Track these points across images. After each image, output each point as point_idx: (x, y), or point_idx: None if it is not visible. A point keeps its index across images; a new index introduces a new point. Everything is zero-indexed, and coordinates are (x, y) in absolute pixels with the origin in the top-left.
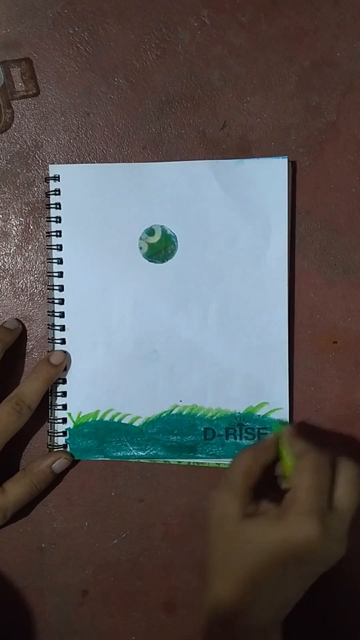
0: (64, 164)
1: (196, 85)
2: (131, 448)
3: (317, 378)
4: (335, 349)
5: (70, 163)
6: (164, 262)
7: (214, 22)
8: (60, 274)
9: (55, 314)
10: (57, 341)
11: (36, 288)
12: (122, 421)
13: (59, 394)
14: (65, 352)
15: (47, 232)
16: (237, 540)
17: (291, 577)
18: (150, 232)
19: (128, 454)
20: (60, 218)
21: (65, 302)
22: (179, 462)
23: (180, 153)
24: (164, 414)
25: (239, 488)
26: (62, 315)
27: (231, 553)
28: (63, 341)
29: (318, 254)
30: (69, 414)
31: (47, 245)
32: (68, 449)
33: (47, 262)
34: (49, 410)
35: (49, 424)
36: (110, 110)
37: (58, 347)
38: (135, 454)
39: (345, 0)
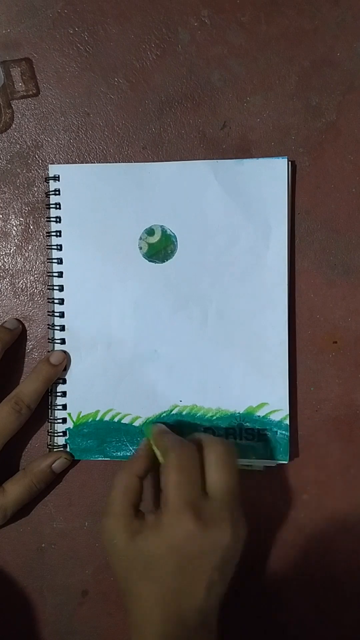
0: (64, 164)
1: (196, 85)
2: (131, 448)
3: (317, 378)
4: (335, 349)
5: (70, 163)
6: (164, 262)
7: (214, 22)
8: (60, 274)
9: (55, 314)
10: (56, 341)
11: (36, 288)
12: (122, 421)
13: (58, 394)
14: (65, 352)
15: (47, 232)
16: (129, 562)
17: (195, 577)
18: (150, 232)
19: (128, 454)
20: (60, 218)
21: (65, 302)
22: None
23: (180, 153)
24: (164, 414)
25: (118, 509)
26: (61, 315)
27: (129, 578)
28: (63, 341)
29: (318, 254)
30: (69, 414)
31: (47, 245)
32: (68, 449)
33: (47, 262)
34: (49, 410)
35: (49, 424)
36: (110, 110)
37: (58, 347)
38: None
39: (345, 0)
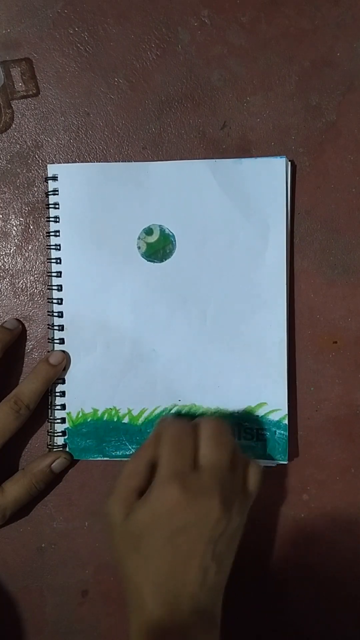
0: (63, 163)
1: (196, 85)
2: (130, 447)
3: (317, 378)
4: (335, 349)
5: (70, 163)
6: (163, 261)
7: (214, 22)
8: (59, 274)
9: (55, 314)
10: (56, 341)
11: (36, 288)
12: (121, 421)
13: (57, 393)
14: (64, 352)
15: (46, 232)
16: (123, 539)
17: (186, 554)
18: (149, 231)
19: (127, 453)
20: (58, 218)
21: (63, 302)
22: None
23: (180, 153)
24: (163, 414)
25: (119, 490)
26: (60, 315)
27: (124, 556)
28: (62, 341)
29: (318, 254)
30: (68, 414)
31: (47, 245)
32: (67, 449)
33: (47, 262)
34: (49, 410)
35: (49, 423)
36: (110, 110)
37: (57, 347)
38: None
39: (345, 0)
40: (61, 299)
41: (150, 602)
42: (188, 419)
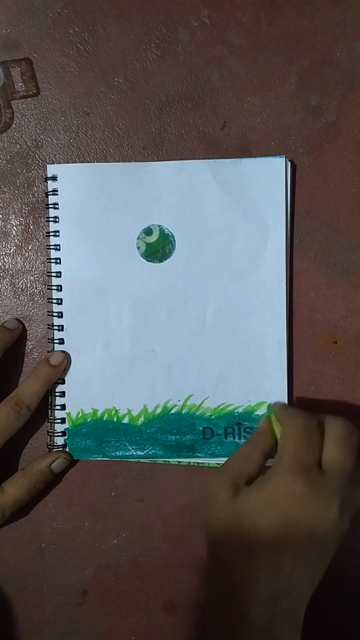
0: (63, 163)
1: (196, 85)
2: (130, 448)
3: (317, 378)
4: (335, 349)
5: (70, 163)
6: (162, 261)
7: (214, 22)
8: (59, 274)
9: (55, 314)
10: (56, 341)
11: (36, 288)
12: (121, 421)
13: (57, 393)
14: (65, 352)
15: (46, 232)
16: (226, 520)
17: (291, 546)
18: (148, 231)
19: (127, 453)
20: (58, 218)
21: (63, 302)
22: (178, 462)
23: (180, 153)
24: (163, 414)
25: (230, 470)
26: (60, 315)
27: (223, 542)
28: (62, 341)
29: (318, 254)
30: (68, 414)
31: (47, 245)
32: (67, 449)
33: (47, 262)
34: (49, 410)
35: (49, 423)
36: (110, 110)
37: (57, 347)
38: (134, 453)
39: (345, 0)
40: (61, 299)
41: (248, 598)
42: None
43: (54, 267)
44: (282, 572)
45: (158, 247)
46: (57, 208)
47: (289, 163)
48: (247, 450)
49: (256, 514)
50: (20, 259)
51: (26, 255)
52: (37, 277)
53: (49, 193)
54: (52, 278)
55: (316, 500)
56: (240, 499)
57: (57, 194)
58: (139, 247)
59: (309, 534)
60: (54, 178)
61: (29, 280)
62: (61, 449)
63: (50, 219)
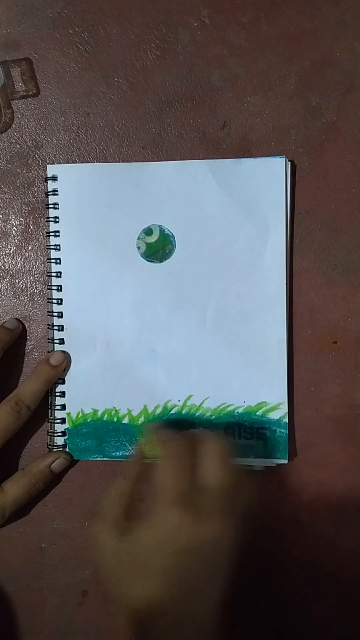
0: (63, 163)
1: (196, 85)
2: (130, 447)
3: (317, 378)
4: (335, 349)
5: (71, 163)
6: (162, 261)
7: (214, 22)
8: (59, 274)
9: (55, 314)
10: (56, 341)
11: (36, 288)
12: (121, 421)
13: (57, 394)
14: (65, 352)
15: (46, 232)
16: (117, 562)
17: (183, 572)
18: (148, 231)
19: (127, 453)
20: (58, 218)
21: (63, 302)
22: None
23: (180, 153)
24: (163, 414)
25: (107, 512)
26: (60, 315)
27: (120, 581)
28: (62, 341)
29: (318, 254)
30: (68, 414)
31: (47, 245)
32: (67, 449)
33: (47, 262)
34: (49, 410)
35: (49, 423)
36: (110, 110)
37: (57, 347)
38: None
39: (345, 0)
40: (61, 299)
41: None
42: (176, 429)
43: (54, 267)
44: (191, 600)
45: (158, 247)
46: (57, 208)
47: (289, 163)
48: (118, 484)
49: (149, 552)
50: (20, 259)
51: (26, 255)
52: (37, 277)
53: (49, 193)
54: (52, 278)
55: (198, 524)
56: (128, 540)
57: (57, 194)
58: (139, 247)
59: (200, 556)
60: (54, 178)
61: (29, 280)
62: (61, 449)
63: (50, 219)
